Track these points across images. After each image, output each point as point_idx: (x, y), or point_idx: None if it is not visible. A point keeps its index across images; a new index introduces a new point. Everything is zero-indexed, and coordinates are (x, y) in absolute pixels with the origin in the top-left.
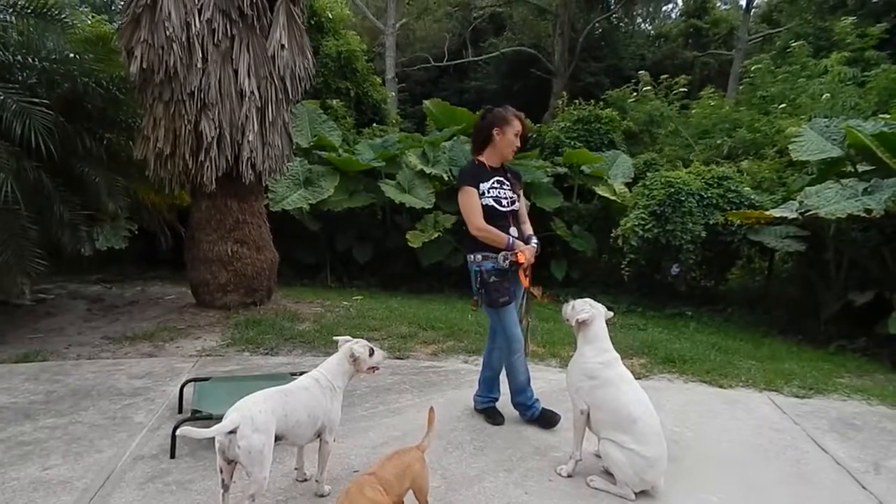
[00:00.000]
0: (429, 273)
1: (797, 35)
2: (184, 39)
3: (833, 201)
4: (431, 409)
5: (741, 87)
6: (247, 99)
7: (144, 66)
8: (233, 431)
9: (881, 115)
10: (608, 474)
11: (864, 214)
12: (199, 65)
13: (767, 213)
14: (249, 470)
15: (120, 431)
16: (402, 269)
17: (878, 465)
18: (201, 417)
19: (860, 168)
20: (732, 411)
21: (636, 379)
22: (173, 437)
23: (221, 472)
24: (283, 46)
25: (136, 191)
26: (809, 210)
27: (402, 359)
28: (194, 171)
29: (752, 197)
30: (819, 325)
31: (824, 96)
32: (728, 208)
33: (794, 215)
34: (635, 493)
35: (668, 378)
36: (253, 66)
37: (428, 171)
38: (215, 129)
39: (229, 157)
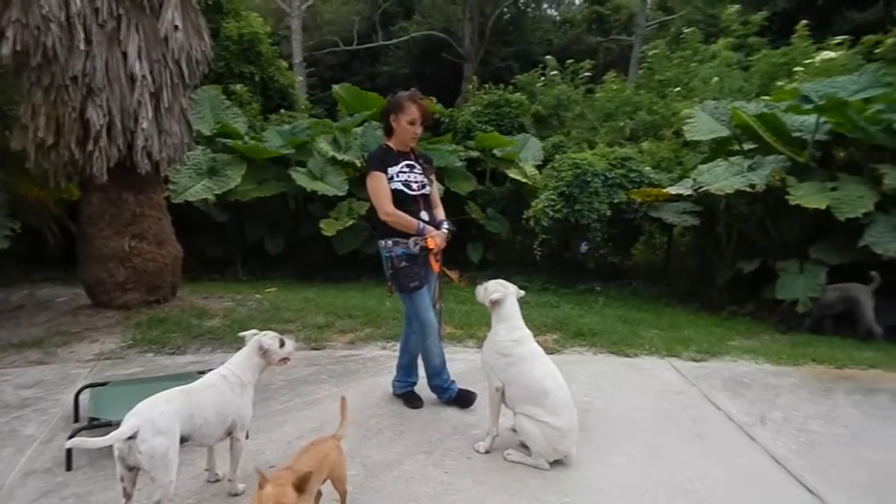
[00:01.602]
0: (345, 261)
1: (689, 22)
2: (63, 19)
3: (722, 178)
4: (343, 398)
5: (641, 72)
6: (138, 84)
7: (18, 48)
8: (132, 437)
9: (763, 97)
10: (524, 447)
11: (748, 189)
12: (83, 47)
13: (665, 190)
14: (153, 475)
15: (7, 446)
16: (317, 258)
17: (763, 417)
18: (100, 425)
19: (745, 146)
20: (638, 378)
21: (550, 354)
22: (68, 447)
23: (122, 480)
24: (176, 27)
25: (17, 185)
26: (702, 186)
27: (318, 349)
28: (82, 162)
29: (652, 176)
30: (714, 293)
31: (714, 80)
32: (630, 187)
33: (689, 192)
34: (549, 463)
35: (579, 351)
36: (144, 48)
37: (340, 158)
38: (104, 115)
39: (122, 146)
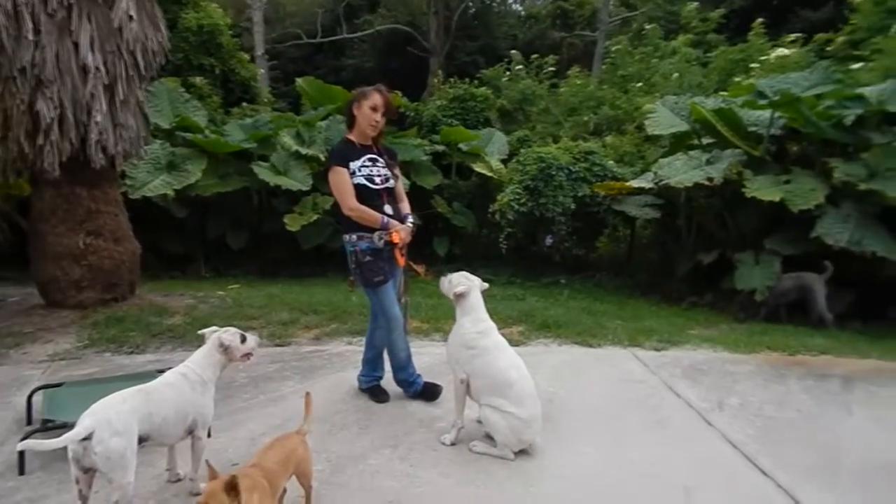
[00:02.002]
0: (310, 256)
1: (650, 18)
2: (9, 7)
3: (681, 171)
4: (307, 394)
5: (604, 67)
6: (91, 75)
7: None
8: (87, 438)
9: (720, 93)
10: (490, 438)
11: (706, 182)
12: (31, 37)
13: (628, 184)
14: (111, 477)
15: None
16: (281, 254)
17: (721, 403)
18: (54, 427)
19: (704, 141)
20: (601, 368)
21: (515, 346)
22: (20, 450)
23: (78, 482)
24: (130, 17)
25: None
26: (662, 180)
27: (283, 346)
28: (32, 157)
29: (615, 170)
30: (674, 284)
31: (674, 75)
32: (594, 181)
33: (651, 185)
34: (514, 453)
35: (544, 342)
36: (97, 38)
37: (304, 152)
38: (55, 108)
39: (74, 140)
